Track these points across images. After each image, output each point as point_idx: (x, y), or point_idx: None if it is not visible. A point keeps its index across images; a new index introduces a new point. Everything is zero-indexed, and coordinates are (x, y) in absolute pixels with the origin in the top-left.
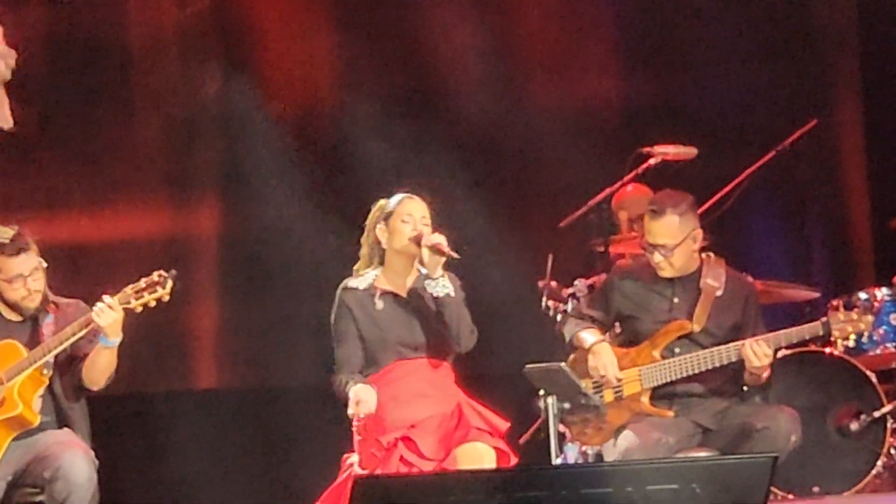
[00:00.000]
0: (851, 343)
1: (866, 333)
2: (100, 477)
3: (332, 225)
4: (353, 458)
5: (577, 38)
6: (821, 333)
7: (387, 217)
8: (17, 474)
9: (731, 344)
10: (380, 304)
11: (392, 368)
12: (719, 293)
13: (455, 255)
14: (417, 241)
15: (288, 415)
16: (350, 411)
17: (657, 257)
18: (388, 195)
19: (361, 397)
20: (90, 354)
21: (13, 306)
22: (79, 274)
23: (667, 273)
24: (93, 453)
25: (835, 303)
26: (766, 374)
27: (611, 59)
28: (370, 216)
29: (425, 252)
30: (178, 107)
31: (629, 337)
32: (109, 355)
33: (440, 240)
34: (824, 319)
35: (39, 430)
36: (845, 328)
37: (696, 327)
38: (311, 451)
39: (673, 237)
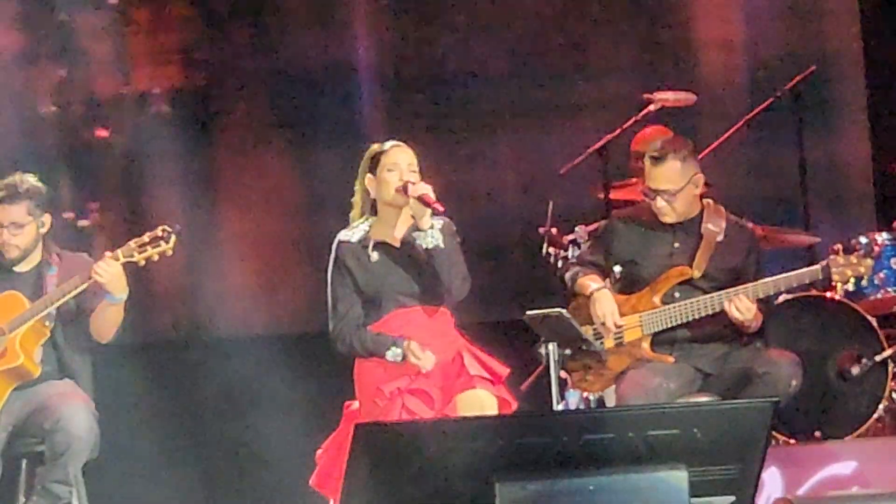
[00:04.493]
0: (851, 287)
1: (866, 277)
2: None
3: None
4: (355, 405)
5: None
6: (820, 277)
7: (374, 167)
8: (17, 425)
9: (723, 292)
10: (374, 256)
11: (392, 317)
12: (720, 238)
13: (441, 208)
14: (405, 190)
15: (289, 362)
16: (423, 365)
17: (660, 202)
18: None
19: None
20: (97, 310)
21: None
22: None
23: (669, 218)
24: (94, 405)
25: (835, 247)
26: (754, 325)
27: (610, 5)
28: (362, 162)
29: (412, 202)
30: None
31: (629, 283)
32: (116, 312)
33: (426, 190)
34: (824, 263)
35: (40, 381)
36: (845, 272)
37: (697, 273)
38: (313, 398)
39: (675, 182)
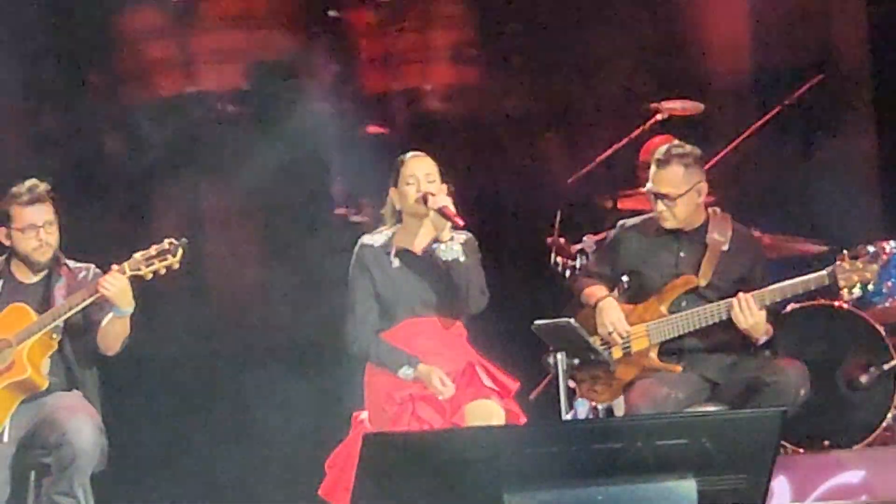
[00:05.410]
0: (858, 292)
1: (872, 282)
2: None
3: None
4: (364, 415)
5: None
6: (826, 283)
7: (396, 179)
8: (26, 437)
9: (732, 299)
10: (395, 262)
11: (405, 326)
12: (725, 248)
13: (460, 222)
14: (424, 200)
15: (296, 372)
16: (445, 394)
17: (660, 206)
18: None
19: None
20: (104, 323)
21: (25, 259)
22: None
23: (669, 224)
24: (100, 418)
25: (842, 254)
26: (763, 337)
27: (619, 14)
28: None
29: (433, 214)
30: None
31: (636, 292)
32: (122, 325)
33: (446, 202)
34: (830, 269)
35: (48, 393)
36: (851, 277)
37: (703, 282)
38: (321, 408)
39: (676, 187)
